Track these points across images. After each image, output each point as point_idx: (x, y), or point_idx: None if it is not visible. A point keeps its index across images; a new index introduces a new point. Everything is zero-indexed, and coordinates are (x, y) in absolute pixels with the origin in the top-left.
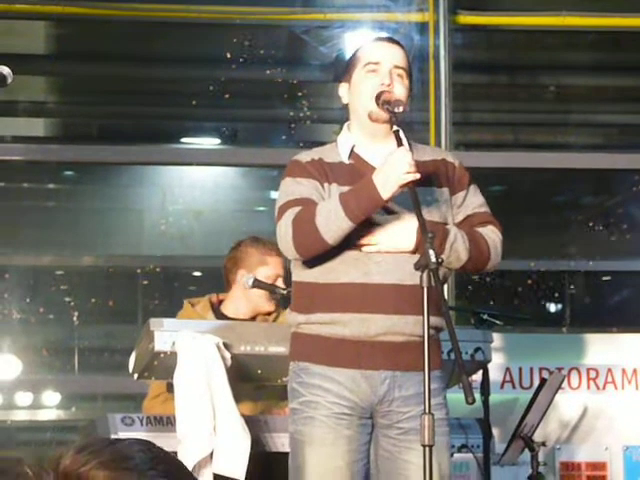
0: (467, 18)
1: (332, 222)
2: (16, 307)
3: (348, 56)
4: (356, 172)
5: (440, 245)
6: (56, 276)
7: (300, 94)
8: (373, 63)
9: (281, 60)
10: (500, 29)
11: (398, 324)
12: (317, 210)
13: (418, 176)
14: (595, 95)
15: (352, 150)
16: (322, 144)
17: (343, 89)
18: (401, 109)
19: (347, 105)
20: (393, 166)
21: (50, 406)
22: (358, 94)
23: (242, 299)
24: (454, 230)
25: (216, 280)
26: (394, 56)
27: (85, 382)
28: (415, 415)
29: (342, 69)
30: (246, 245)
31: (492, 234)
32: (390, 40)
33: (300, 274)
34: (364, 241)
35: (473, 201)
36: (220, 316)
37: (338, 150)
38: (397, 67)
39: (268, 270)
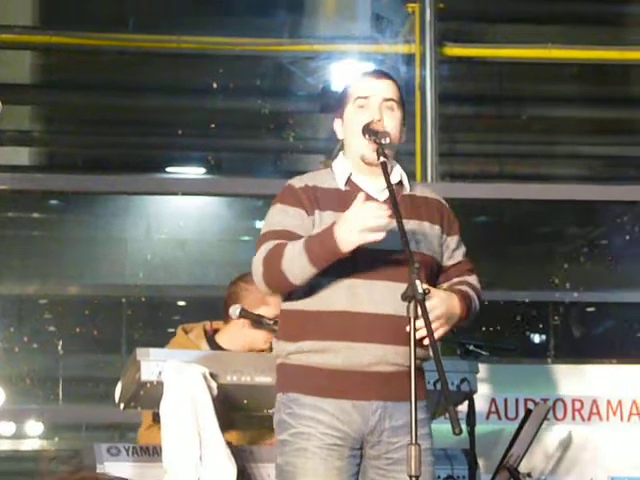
0: (453, 50)
1: (296, 267)
2: (0, 336)
3: (338, 90)
4: (352, 199)
5: (467, 311)
6: (41, 305)
7: (286, 124)
8: (362, 98)
9: (267, 90)
10: (486, 61)
11: (390, 354)
12: (285, 252)
13: (380, 237)
14: (580, 127)
15: (349, 178)
16: None
17: (337, 125)
18: (388, 140)
19: (342, 140)
20: (356, 221)
21: (33, 436)
22: (351, 132)
23: (239, 334)
24: (470, 292)
25: (201, 309)
26: (383, 89)
27: (69, 412)
28: (404, 445)
29: (333, 102)
30: (248, 281)
31: (477, 284)
32: (379, 73)
33: (288, 302)
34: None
35: (461, 248)
36: (214, 346)
37: (334, 176)
38: (387, 100)
39: (269, 310)
